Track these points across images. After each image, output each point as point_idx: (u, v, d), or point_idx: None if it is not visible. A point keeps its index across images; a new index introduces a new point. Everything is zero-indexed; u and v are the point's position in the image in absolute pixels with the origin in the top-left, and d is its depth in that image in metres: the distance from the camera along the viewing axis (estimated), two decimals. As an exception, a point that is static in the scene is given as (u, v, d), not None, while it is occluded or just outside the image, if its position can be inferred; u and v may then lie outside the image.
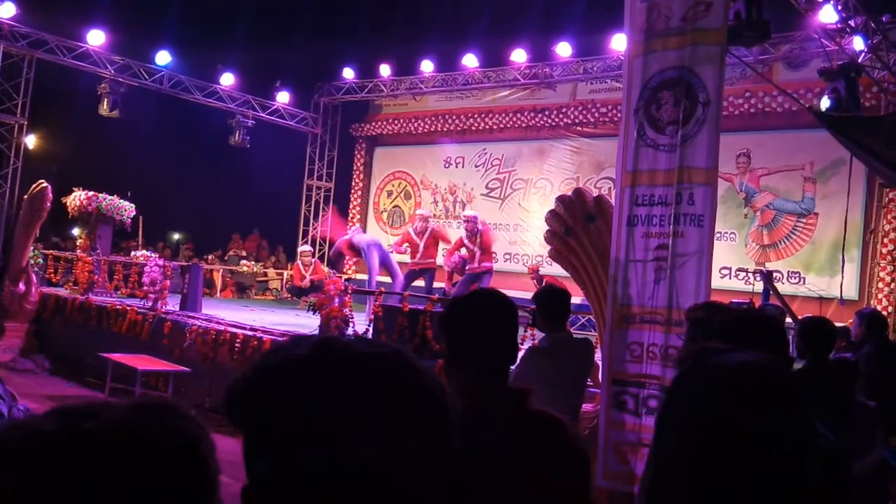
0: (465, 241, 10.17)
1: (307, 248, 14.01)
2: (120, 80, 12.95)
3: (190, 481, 0.73)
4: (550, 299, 4.21)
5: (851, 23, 8.18)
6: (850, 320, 7.77)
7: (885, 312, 9.80)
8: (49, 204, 11.13)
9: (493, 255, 10.79)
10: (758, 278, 9.72)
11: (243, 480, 0.82)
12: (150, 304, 10.00)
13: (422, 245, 10.43)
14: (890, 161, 6.15)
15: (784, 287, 10.44)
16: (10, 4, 11.74)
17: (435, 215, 15.22)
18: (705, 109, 4.54)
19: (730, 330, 2.29)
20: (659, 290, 4.52)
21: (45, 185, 11.22)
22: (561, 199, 5.76)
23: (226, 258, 15.87)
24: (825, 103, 7.72)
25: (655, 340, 4.55)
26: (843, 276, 8.85)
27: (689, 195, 4.53)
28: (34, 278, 11.23)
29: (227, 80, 14.57)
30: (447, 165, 15.17)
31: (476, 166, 14.75)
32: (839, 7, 7.78)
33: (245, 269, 14.97)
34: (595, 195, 5.72)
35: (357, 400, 0.79)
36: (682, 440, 1.06)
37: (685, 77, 4.59)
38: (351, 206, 16.43)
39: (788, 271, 10.88)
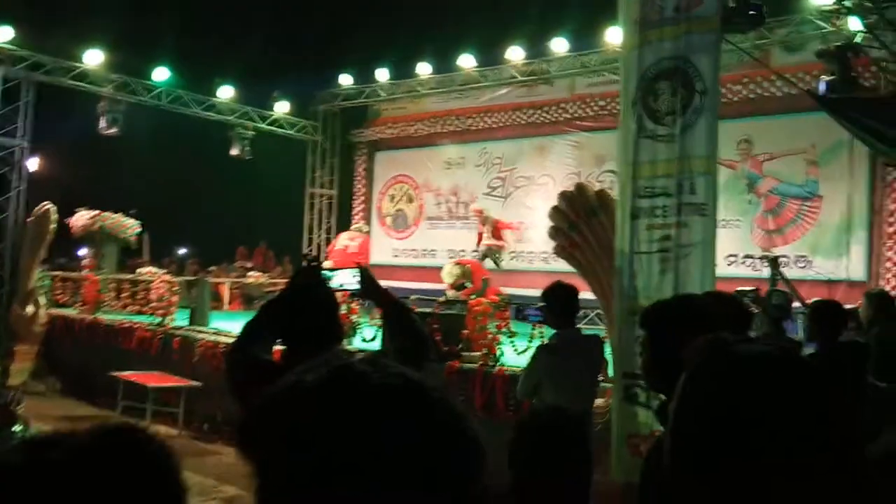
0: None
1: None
2: (119, 97, 12.98)
3: (156, 501, 0.72)
4: (559, 296, 4.20)
5: (847, 2, 8.13)
6: (860, 302, 7.73)
7: (894, 292, 9.74)
8: (54, 226, 11.18)
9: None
10: (765, 264, 9.67)
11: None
12: (158, 320, 10.03)
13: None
14: (892, 140, 6.10)
15: (792, 271, 10.36)
16: (7, 28, 11.79)
17: (439, 217, 15.25)
18: (702, 98, 4.53)
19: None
20: (665, 281, 4.51)
21: (48, 206, 11.27)
22: (563, 195, 5.75)
23: (231, 270, 15.89)
24: (823, 86, 7.67)
25: (664, 332, 4.52)
26: (849, 259, 8.79)
27: (690, 184, 4.52)
28: (42, 300, 11.27)
29: (226, 92, 14.59)
30: (448, 167, 15.15)
31: (477, 166, 14.74)
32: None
33: (252, 280, 14.99)
34: (597, 189, 5.71)
35: (373, 439, 0.72)
36: (702, 433, 1.04)
37: (681, 66, 4.59)
38: (354, 213, 16.42)
39: (795, 255, 10.82)
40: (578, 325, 4.74)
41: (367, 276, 2.66)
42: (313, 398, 0.75)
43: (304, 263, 2.76)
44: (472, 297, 8.62)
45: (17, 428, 5.31)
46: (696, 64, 4.55)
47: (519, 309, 7.18)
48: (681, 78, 4.58)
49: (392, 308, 2.52)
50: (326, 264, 10.66)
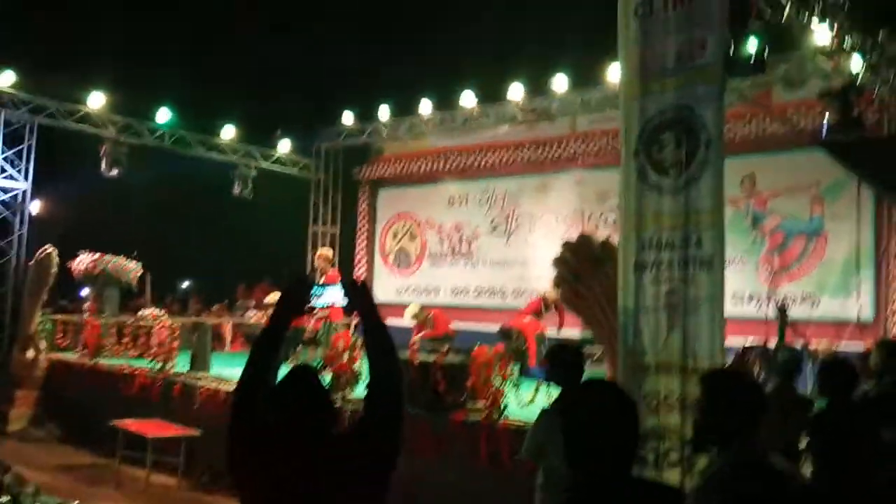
0: None
1: (328, 250, 12.47)
2: (121, 139, 13.00)
3: None
4: (564, 355, 4.10)
5: (847, 42, 8.11)
6: (869, 344, 7.60)
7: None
8: (55, 269, 11.13)
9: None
10: (770, 306, 9.59)
11: None
12: (159, 365, 9.92)
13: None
14: (893, 184, 6.03)
15: (799, 310, 10.25)
16: (9, 72, 11.86)
17: (441, 254, 15.18)
18: (707, 149, 4.46)
19: None
20: (673, 338, 4.40)
21: (50, 250, 11.23)
22: (567, 246, 5.68)
23: (233, 309, 15.80)
24: (825, 126, 7.63)
25: (672, 389, 4.42)
26: (858, 299, 8.68)
27: (697, 238, 4.43)
28: (42, 345, 11.18)
29: (228, 132, 14.62)
30: (451, 204, 15.12)
31: (480, 203, 14.70)
32: (834, 28, 7.72)
33: (254, 320, 14.87)
34: (601, 240, 5.63)
35: None
36: None
37: (685, 117, 4.52)
38: (357, 250, 16.37)
39: (802, 294, 10.69)
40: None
41: (355, 290, 2.57)
42: None
43: (290, 277, 2.73)
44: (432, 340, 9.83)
45: (3, 499, 5.16)
46: (701, 114, 4.48)
47: (523, 367, 7.09)
48: (685, 128, 4.52)
49: (371, 328, 2.47)
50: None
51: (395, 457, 2.30)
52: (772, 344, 8.11)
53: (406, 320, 11.13)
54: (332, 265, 11.94)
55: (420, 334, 10.79)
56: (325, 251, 12.92)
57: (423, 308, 11.54)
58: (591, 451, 1.91)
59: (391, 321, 2.56)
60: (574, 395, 2.20)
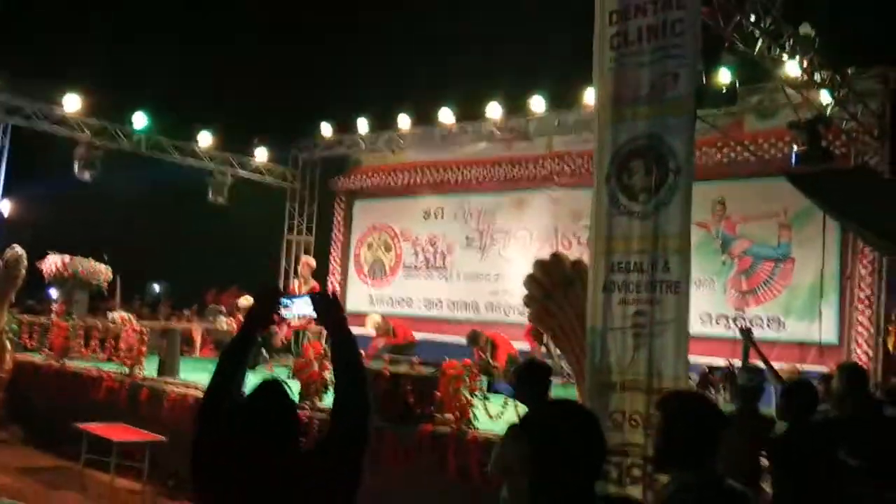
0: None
1: (311, 259, 13.13)
2: (97, 143, 12.91)
3: None
4: (530, 374, 4.18)
5: (817, 77, 8.37)
6: (832, 366, 7.79)
7: (865, 356, 9.86)
8: (24, 270, 10.99)
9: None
10: (736, 325, 9.78)
11: None
12: (126, 369, 9.85)
13: None
14: (856, 216, 6.23)
15: (764, 332, 10.49)
16: (-16, 72, 11.77)
17: (416, 266, 15.25)
18: (676, 177, 4.60)
19: None
20: (639, 358, 4.53)
21: (19, 251, 11.10)
22: (539, 264, 5.78)
23: (204, 314, 15.72)
24: (794, 157, 7.85)
25: (637, 408, 4.53)
26: (821, 323, 8.89)
27: (664, 262, 4.56)
28: (8, 345, 11.02)
29: (205, 139, 14.59)
30: (427, 217, 15.21)
31: (456, 217, 14.81)
32: (804, 64, 7.96)
33: (225, 326, 14.80)
34: (573, 259, 5.75)
35: None
36: None
37: (655, 146, 4.67)
38: (331, 260, 16.38)
39: (768, 317, 10.94)
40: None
41: (324, 302, 2.57)
42: None
43: (261, 290, 2.69)
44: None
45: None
46: (670, 143, 4.63)
47: (490, 383, 7.18)
48: (654, 157, 4.66)
49: (339, 342, 2.47)
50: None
51: (359, 473, 2.30)
52: (737, 365, 8.28)
53: (368, 329, 11.38)
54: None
55: (381, 342, 11.07)
56: (310, 260, 13.05)
57: (384, 318, 11.80)
58: (556, 469, 1.97)
59: (354, 329, 2.59)
60: (540, 414, 2.27)
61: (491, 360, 10.02)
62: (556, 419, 2.07)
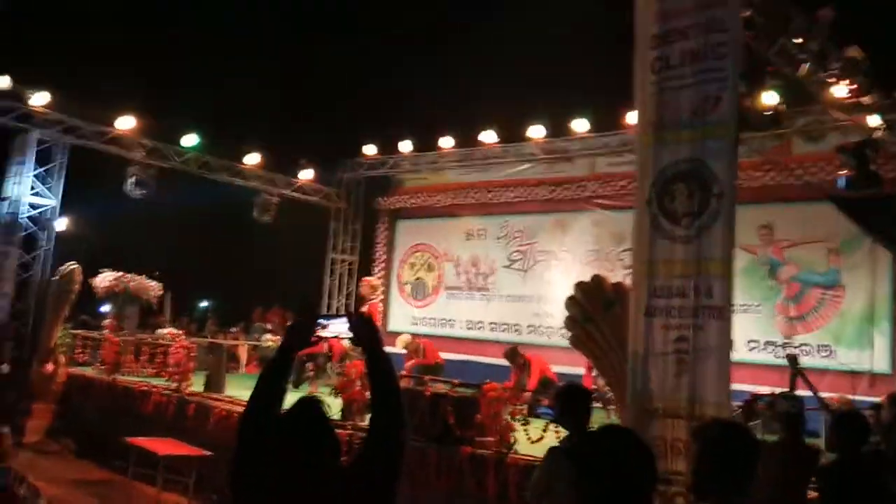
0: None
1: (373, 279, 13.48)
2: (150, 162, 13.30)
3: None
4: (572, 397, 4.17)
5: (865, 100, 8.21)
6: (884, 396, 7.58)
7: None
8: (78, 285, 11.35)
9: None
10: (784, 352, 9.59)
11: None
12: (174, 384, 10.06)
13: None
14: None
15: (814, 360, 10.25)
16: (45, 93, 12.23)
17: (458, 287, 15.30)
18: (719, 201, 4.58)
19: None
20: (681, 384, 4.49)
21: (74, 266, 11.48)
22: (580, 286, 5.78)
23: (250, 331, 15.99)
24: (842, 182, 7.71)
25: (679, 435, 4.49)
26: (873, 351, 8.66)
27: (708, 287, 4.52)
28: (62, 359, 11.37)
29: (253, 159, 14.92)
30: (469, 238, 15.27)
31: (498, 238, 14.84)
32: (852, 87, 7.83)
33: (270, 343, 15.02)
34: (614, 282, 5.74)
35: None
36: None
37: (698, 170, 4.65)
38: (375, 279, 16.52)
39: (818, 344, 10.67)
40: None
41: (360, 323, 2.62)
42: None
43: (302, 302, 2.73)
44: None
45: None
46: (713, 167, 4.61)
47: (531, 406, 7.15)
48: (696, 180, 4.64)
49: (374, 362, 2.51)
50: None
51: (395, 488, 2.34)
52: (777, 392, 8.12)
53: (398, 348, 11.49)
54: (376, 295, 12.41)
55: (411, 362, 11.12)
56: (372, 280, 13.32)
57: (414, 338, 11.96)
58: (605, 496, 1.96)
59: (387, 348, 2.62)
60: (590, 439, 2.25)
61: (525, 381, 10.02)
62: (608, 445, 2.07)
